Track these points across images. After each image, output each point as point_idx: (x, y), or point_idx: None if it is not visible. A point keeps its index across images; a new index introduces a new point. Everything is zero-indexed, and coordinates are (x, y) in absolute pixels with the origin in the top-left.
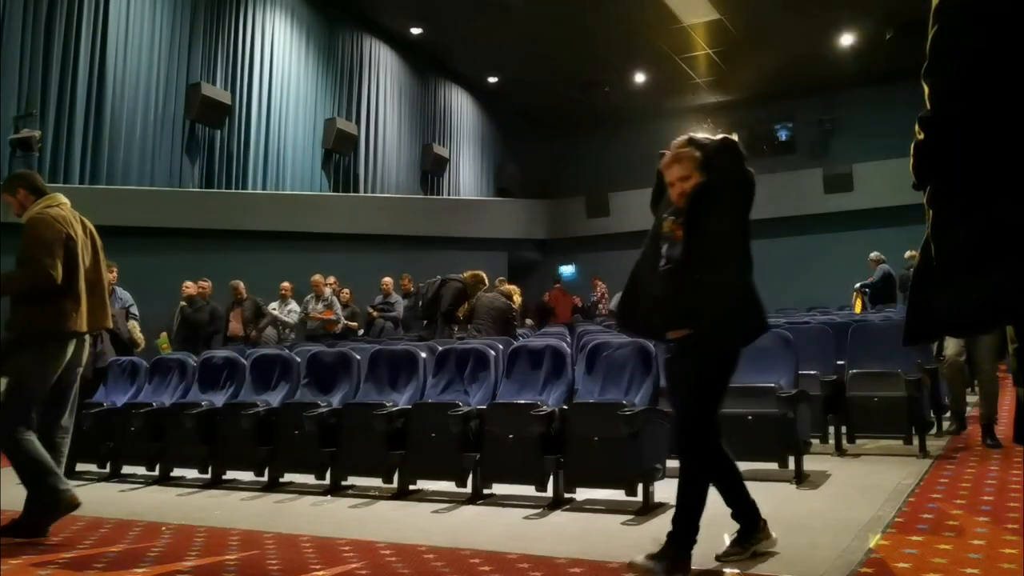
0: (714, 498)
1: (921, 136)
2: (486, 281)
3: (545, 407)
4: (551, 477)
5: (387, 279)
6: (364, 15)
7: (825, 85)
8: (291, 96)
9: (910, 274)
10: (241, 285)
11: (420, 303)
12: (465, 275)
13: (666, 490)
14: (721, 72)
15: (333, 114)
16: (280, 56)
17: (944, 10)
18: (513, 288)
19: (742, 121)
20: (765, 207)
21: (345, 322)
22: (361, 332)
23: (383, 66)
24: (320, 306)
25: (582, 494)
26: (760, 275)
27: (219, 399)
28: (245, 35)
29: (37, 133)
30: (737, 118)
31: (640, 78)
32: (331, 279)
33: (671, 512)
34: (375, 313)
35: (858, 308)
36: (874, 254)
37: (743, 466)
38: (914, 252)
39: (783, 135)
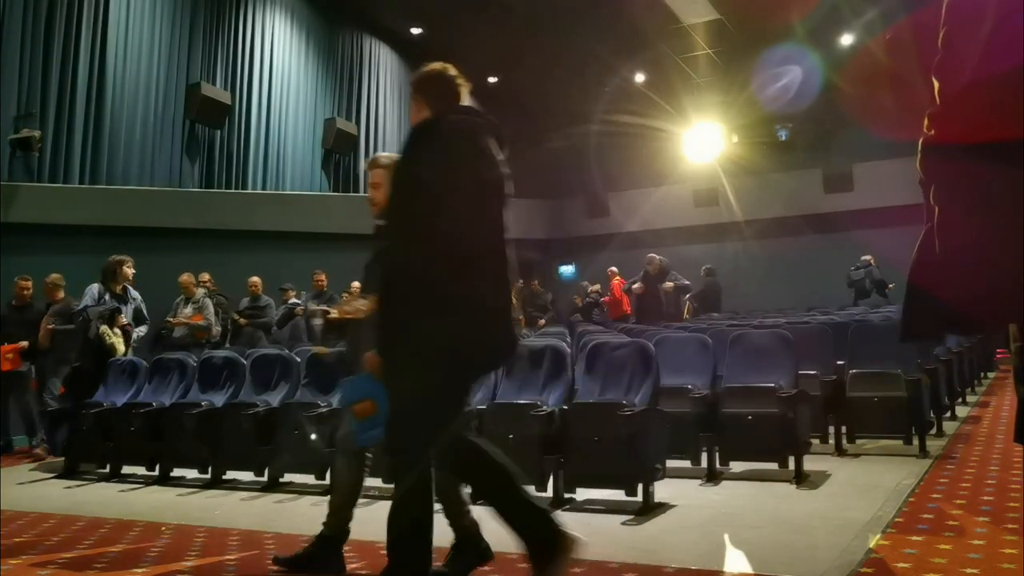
0: (715, 498)
1: (931, 132)
2: None
3: (545, 407)
4: (551, 477)
5: (255, 278)
6: (364, 15)
7: (825, 85)
8: (291, 96)
9: (864, 275)
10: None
11: None
12: None
13: (666, 490)
14: (721, 72)
15: (333, 114)
16: (280, 56)
17: (954, 8)
18: None
19: (742, 121)
20: (765, 207)
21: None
22: (215, 339)
23: (383, 66)
24: (189, 309)
25: (582, 494)
26: (761, 275)
27: (219, 399)
28: (245, 35)
29: (37, 133)
30: (737, 118)
31: (640, 78)
32: (204, 276)
33: (671, 512)
34: (242, 320)
35: (686, 314)
36: (705, 267)
37: (743, 466)
38: (869, 257)
39: (783, 135)
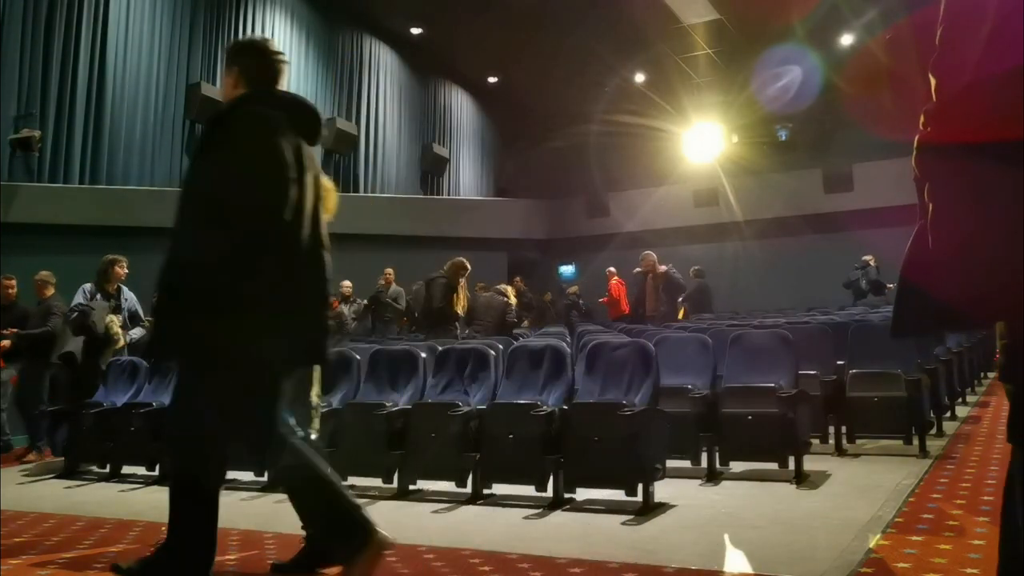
0: (712, 498)
1: (928, 130)
2: (467, 266)
3: (545, 407)
4: (551, 477)
5: None
6: (364, 15)
7: (825, 85)
8: None
9: (860, 275)
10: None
11: (415, 312)
12: (445, 268)
13: (666, 490)
14: (721, 72)
15: (333, 114)
16: None
17: (953, 6)
18: (508, 288)
19: (742, 121)
20: (765, 207)
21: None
22: None
23: (383, 66)
24: None
25: (582, 494)
26: (761, 275)
27: None
28: (245, 35)
29: (37, 133)
30: (737, 118)
31: (640, 78)
32: None
33: (671, 512)
34: None
35: (681, 316)
36: (694, 268)
37: (743, 466)
38: (869, 257)
39: (783, 135)
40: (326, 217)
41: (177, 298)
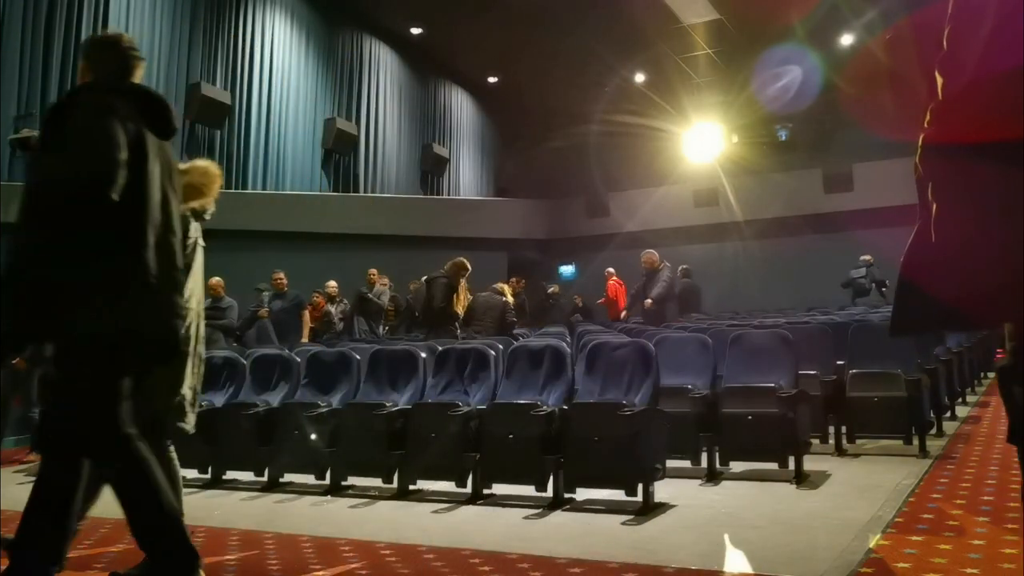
0: (712, 498)
1: (932, 129)
2: (468, 266)
3: (545, 407)
4: (551, 477)
5: (215, 279)
6: (364, 15)
7: (825, 85)
8: (291, 96)
9: (864, 274)
10: None
11: (415, 311)
12: (446, 267)
13: (666, 490)
14: (721, 72)
15: (333, 114)
16: (280, 56)
17: (959, 6)
18: (505, 287)
19: (742, 121)
20: (765, 207)
21: None
22: None
23: (383, 66)
24: None
25: (582, 494)
26: (761, 275)
27: (219, 399)
28: (245, 35)
29: (37, 133)
30: (737, 118)
31: (640, 78)
32: None
33: (671, 512)
34: None
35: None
36: (682, 267)
37: (743, 466)
38: (868, 256)
39: (783, 135)
40: (207, 202)
41: (6, 290)
